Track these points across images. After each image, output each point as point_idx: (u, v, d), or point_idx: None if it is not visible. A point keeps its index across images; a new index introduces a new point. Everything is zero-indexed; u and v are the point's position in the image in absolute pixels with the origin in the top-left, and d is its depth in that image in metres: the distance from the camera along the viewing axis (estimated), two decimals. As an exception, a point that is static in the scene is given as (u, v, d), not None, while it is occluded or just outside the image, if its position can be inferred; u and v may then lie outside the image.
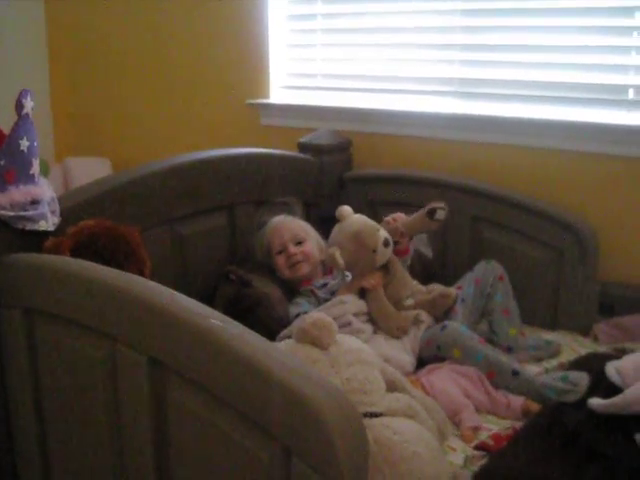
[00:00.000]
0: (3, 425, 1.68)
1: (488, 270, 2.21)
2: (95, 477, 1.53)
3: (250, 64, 3.06)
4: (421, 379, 1.85)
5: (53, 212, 1.70)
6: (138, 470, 1.40)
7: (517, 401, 1.80)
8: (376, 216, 2.22)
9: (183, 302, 1.31)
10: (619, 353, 2.00)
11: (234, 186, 2.34)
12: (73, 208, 1.79)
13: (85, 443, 1.54)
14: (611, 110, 2.35)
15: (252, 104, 3.07)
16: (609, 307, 2.30)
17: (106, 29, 3.51)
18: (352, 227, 2.10)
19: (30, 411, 1.61)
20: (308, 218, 2.48)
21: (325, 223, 2.55)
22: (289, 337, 1.97)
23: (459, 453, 1.63)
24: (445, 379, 1.84)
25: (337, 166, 2.71)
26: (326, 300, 2.14)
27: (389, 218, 2.17)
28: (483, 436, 1.71)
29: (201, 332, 1.24)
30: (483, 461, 1.59)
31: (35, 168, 1.66)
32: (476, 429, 1.73)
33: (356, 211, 2.18)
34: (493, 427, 1.76)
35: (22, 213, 1.61)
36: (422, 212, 2.11)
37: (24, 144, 1.61)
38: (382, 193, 2.55)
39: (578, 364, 1.98)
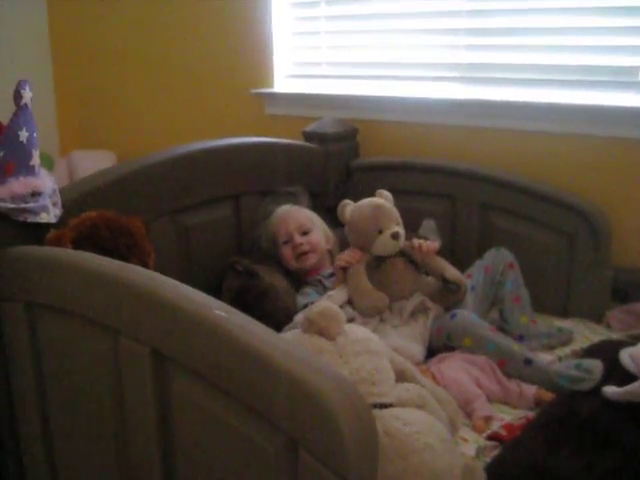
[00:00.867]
0: (7, 419, 1.65)
1: (498, 258, 2.18)
2: (100, 470, 1.51)
3: (254, 53, 3.03)
4: (431, 368, 1.82)
5: (55, 204, 1.67)
6: (143, 463, 1.38)
7: (530, 390, 1.77)
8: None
9: (186, 293, 1.28)
10: (633, 340, 1.97)
11: (239, 176, 2.31)
12: (75, 200, 1.76)
13: (90, 436, 1.51)
14: (621, 92, 2.30)
15: (257, 93, 3.04)
16: (622, 293, 2.26)
17: (109, 22, 3.49)
18: (379, 201, 2.11)
19: (34, 404, 1.59)
20: (314, 208, 2.44)
21: (331, 212, 2.52)
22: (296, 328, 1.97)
23: (471, 444, 1.60)
24: (456, 368, 1.81)
25: (343, 155, 2.68)
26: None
27: (417, 243, 2.09)
28: (495, 426, 1.68)
29: (205, 323, 1.20)
30: (496, 452, 1.56)
31: (35, 159, 1.63)
32: (488, 419, 1.70)
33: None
34: (505, 417, 1.73)
35: (23, 205, 1.58)
36: (441, 271, 2.04)
37: (23, 135, 1.58)
38: (389, 181, 2.50)
39: (591, 352, 1.95)
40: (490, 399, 1.78)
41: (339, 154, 2.65)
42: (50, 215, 1.63)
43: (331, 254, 2.34)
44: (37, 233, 1.60)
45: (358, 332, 1.50)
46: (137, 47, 3.43)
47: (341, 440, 1.05)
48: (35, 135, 1.62)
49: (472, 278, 2.16)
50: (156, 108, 3.43)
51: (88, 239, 1.62)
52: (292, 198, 2.41)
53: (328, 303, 1.50)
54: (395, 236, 2.03)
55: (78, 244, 1.58)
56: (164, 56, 3.34)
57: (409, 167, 2.57)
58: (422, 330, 1.98)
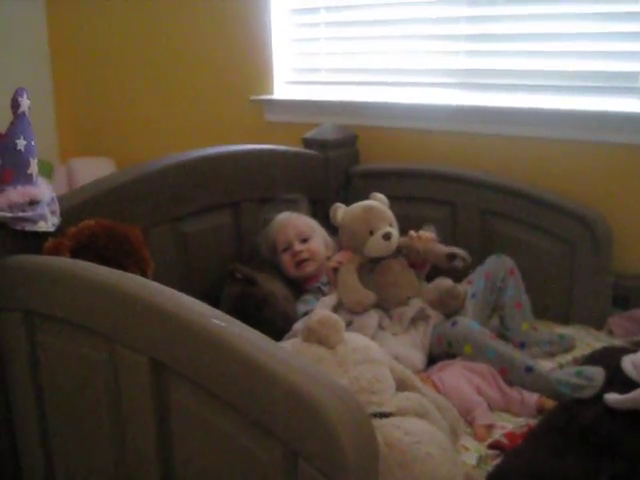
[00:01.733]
0: (6, 427, 1.64)
1: (499, 264, 2.16)
2: (99, 479, 1.50)
3: (254, 60, 3.02)
4: (432, 376, 1.81)
5: (53, 212, 1.67)
6: (141, 472, 1.37)
7: (531, 398, 1.76)
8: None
9: (184, 302, 1.27)
10: (635, 346, 1.96)
11: (239, 183, 2.31)
12: (73, 208, 1.75)
13: (88, 446, 1.50)
14: (621, 98, 2.29)
15: (256, 100, 3.03)
16: (624, 299, 2.25)
17: (108, 28, 3.48)
18: (371, 202, 2.13)
19: (32, 414, 1.58)
20: (314, 215, 2.43)
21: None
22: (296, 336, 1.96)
23: (472, 452, 1.58)
24: (457, 376, 1.80)
25: (343, 161, 2.67)
26: None
27: (415, 234, 2.12)
28: (497, 434, 1.67)
29: (203, 332, 1.20)
30: (497, 460, 1.55)
31: (33, 168, 1.62)
32: (490, 427, 1.69)
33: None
34: (507, 425, 1.71)
35: (21, 214, 1.57)
36: (444, 251, 2.07)
37: (21, 143, 1.58)
38: (389, 188, 2.49)
39: (593, 359, 1.93)
40: (491, 407, 1.77)
41: (339, 161, 2.65)
42: (48, 224, 1.62)
43: (331, 262, 2.33)
44: (35, 242, 1.59)
45: (358, 340, 1.49)
46: (137, 54, 3.42)
47: (341, 451, 1.04)
48: (33, 143, 1.62)
49: (473, 285, 2.14)
50: (156, 115, 3.42)
51: (86, 248, 1.61)
52: (292, 205, 2.40)
53: (327, 312, 1.49)
54: (386, 236, 2.02)
55: (76, 253, 1.58)
56: (163, 62, 3.33)
57: (409, 173, 2.56)
58: (422, 338, 1.97)
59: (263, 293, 2.08)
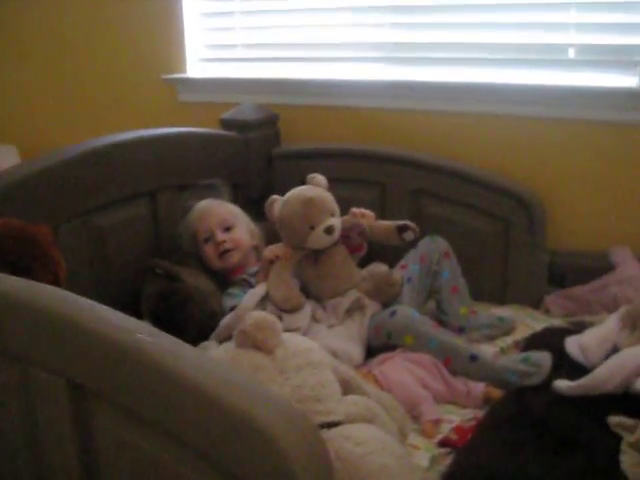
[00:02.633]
0: None
1: (433, 246, 2.08)
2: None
3: (163, 36, 2.83)
4: (373, 371, 1.71)
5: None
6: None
7: (477, 388, 1.68)
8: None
9: (103, 314, 1.11)
10: (576, 326, 1.92)
11: (153, 171, 2.14)
12: (-30, 207, 1.57)
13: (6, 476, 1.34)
14: (551, 70, 2.23)
15: (168, 79, 2.85)
16: (559, 277, 2.20)
17: (7, 3, 3.21)
18: (310, 192, 1.96)
19: None
20: (236, 200, 2.29)
21: (254, 204, 2.38)
22: (225, 337, 1.83)
23: (423, 452, 1.50)
24: (399, 370, 1.71)
25: (264, 142, 2.53)
26: None
27: (358, 211, 2.02)
28: (445, 429, 1.59)
29: (127, 349, 1.05)
30: (449, 459, 1.47)
31: None
32: (437, 422, 1.60)
33: (288, 190, 2.02)
34: (454, 418, 1.64)
35: None
36: (392, 224, 1.96)
37: None
38: (314, 169, 2.34)
39: (535, 341, 1.89)
40: (437, 399, 1.69)
41: (260, 142, 2.51)
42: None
43: (257, 250, 2.20)
44: None
45: (298, 342, 1.37)
46: (35, 36, 3.18)
47: (292, 475, 0.93)
48: None
49: (407, 269, 2.06)
50: (59, 99, 3.19)
51: (-12, 252, 1.43)
52: (212, 191, 2.25)
53: (262, 313, 1.35)
54: (329, 230, 1.90)
55: (-24, 258, 1.40)
56: (65, 41, 3.11)
57: (334, 153, 2.45)
58: (359, 329, 1.86)
59: (187, 289, 1.93)
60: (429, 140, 2.38)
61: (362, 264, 2.08)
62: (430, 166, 2.28)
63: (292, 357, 1.31)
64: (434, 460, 1.46)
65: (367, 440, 1.22)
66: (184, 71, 2.84)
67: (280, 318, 1.83)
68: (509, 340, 1.97)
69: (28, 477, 1.27)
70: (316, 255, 1.96)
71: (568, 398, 1.55)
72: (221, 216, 2.15)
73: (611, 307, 1.97)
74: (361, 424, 1.28)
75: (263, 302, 1.90)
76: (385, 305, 1.92)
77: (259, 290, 1.91)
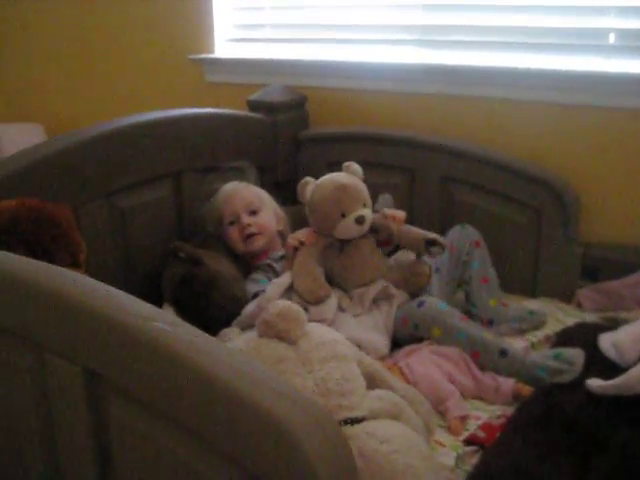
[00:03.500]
0: None
1: (463, 236, 2.03)
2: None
3: (192, 15, 2.79)
4: (399, 364, 1.66)
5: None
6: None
7: (507, 384, 1.62)
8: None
9: (121, 301, 1.07)
10: (609, 322, 1.86)
11: (179, 152, 2.10)
12: (-8, 186, 1.54)
13: (20, 460, 1.31)
14: (590, 56, 2.14)
15: (195, 59, 2.80)
16: (593, 271, 2.13)
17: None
18: (346, 179, 1.89)
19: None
20: (262, 184, 2.25)
21: (281, 188, 2.35)
22: (248, 325, 1.78)
23: (449, 450, 1.44)
24: (426, 363, 1.65)
25: (292, 125, 2.48)
26: None
27: (390, 212, 1.94)
28: (472, 426, 1.54)
29: (144, 338, 1.01)
30: (476, 458, 1.41)
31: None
32: (464, 418, 1.55)
33: (315, 174, 1.97)
34: (482, 414, 1.58)
35: None
36: (421, 236, 1.88)
37: None
38: (342, 153, 2.32)
39: (566, 336, 1.83)
40: (464, 395, 1.63)
41: (287, 124, 2.46)
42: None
43: (282, 235, 2.15)
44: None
45: (322, 333, 1.32)
46: (65, 12, 3.15)
47: (313, 475, 0.88)
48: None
49: (436, 258, 2.00)
50: (87, 77, 3.17)
51: (7, 233, 1.41)
52: (238, 174, 2.20)
53: (287, 302, 1.30)
54: (360, 221, 1.84)
55: (-5, 239, 1.37)
56: (95, 19, 3.08)
57: (363, 138, 2.39)
58: (386, 320, 1.81)
59: (209, 274, 1.89)
60: (460, 126, 2.32)
61: (388, 254, 2.03)
62: (461, 152, 2.22)
63: (316, 349, 1.27)
64: (460, 459, 1.41)
65: (392, 438, 1.17)
66: (212, 51, 2.80)
67: (306, 309, 1.79)
68: (540, 334, 1.91)
69: (41, 463, 1.25)
70: (342, 245, 1.91)
71: (601, 398, 1.49)
72: (247, 199, 2.10)
73: (646, 304, 1.91)
74: (386, 420, 1.24)
75: (288, 292, 1.85)
76: (413, 295, 1.87)
77: (284, 280, 1.86)
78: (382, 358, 1.71)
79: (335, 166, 2.03)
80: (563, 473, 1.31)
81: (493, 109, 2.27)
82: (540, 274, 2.16)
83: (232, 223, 2.08)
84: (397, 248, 2.07)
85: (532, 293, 2.16)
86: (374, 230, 1.91)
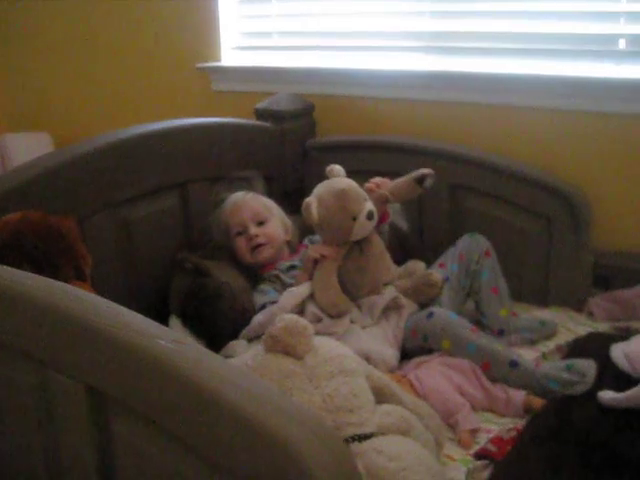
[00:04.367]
0: None
1: (473, 245, 2.00)
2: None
3: (198, 23, 2.79)
4: (409, 376, 1.64)
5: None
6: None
7: (518, 396, 1.60)
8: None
9: (124, 319, 1.05)
10: (622, 332, 1.84)
11: (185, 162, 2.09)
12: (-4, 198, 1.53)
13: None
14: (599, 62, 2.12)
15: (202, 68, 2.79)
16: (604, 280, 2.10)
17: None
18: (340, 184, 1.88)
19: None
20: (270, 193, 2.23)
21: (288, 197, 2.33)
22: (256, 335, 1.77)
23: (459, 464, 1.42)
24: (436, 375, 1.64)
25: (299, 133, 2.47)
26: (292, 285, 1.92)
27: (371, 184, 1.94)
28: (482, 439, 1.51)
29: (148, 356, 0.99)
30: (486, 472, 1.39)
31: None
32: (474, 431, 1.53)
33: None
34: (492, 427, 1.56)
35: None
36: (409, 178, 1.90)
37: None
38: (350, 161, 2.28)
39: (578, 347, 1.81)
40: (474, 407, 1.61)
41: (295, 133, 2.45)
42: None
43: (290, 245, 2.14)
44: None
45: (329, 348, 1.30)
46: (74, 20, 3.15)
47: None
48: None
49: (445, 267, 1.98)
50: (94, 86, 3.17)
51: (11, 248, 1.39)
52: (245, 184, 2.19)
53: (294, 316, 1.29)
54: (370, 216, 1.84)
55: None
56: (102, 29, 3.08)
57: (371, 145, 2.38)
58: (395, 331, 1.80)
59: (216, 285, 1.88)
60: (469, 133, 2.30)
61: (398, 263, 2.02)
62: (469, 160, 2.20)
63: (323, 364, 1.25)
64: (470, 474, 1.39)
65: (401, 455, 1.15)
66: (218, 59, 2.80)
67: (320, 319, 1.77)
68: (551, 345, 1.89)
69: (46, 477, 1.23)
70: (358, 246, 1.90)
71: (613, 410, 1.47)
72: (255, 210, 2.09)
73: (659, 314, 1.88)
74: (395, 436, 1.22)
75: (301, 302, 1.84)
76: (422, 305, 1.85)
77: (302, 291, 1.85)
78: (391, 370, 1.69)
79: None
80: (577, 489, 1.29)
81: (502, 116, 2.25)
82: (551, 283, 2.13)
83: (239, 234, 2.07)
84: (406, 257, 2.06)
85: (543, 302, 2.13)
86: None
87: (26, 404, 1.20)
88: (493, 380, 1.65)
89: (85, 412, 1.09)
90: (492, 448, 1.46)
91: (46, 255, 1.43)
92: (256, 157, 2.32)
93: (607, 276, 2.11)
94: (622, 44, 2.10)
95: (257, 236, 2.04)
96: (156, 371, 0.98)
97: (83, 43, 3.15)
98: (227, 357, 1.68)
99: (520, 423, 1.55)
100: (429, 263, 2.04)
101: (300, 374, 1.22)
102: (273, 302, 1.89)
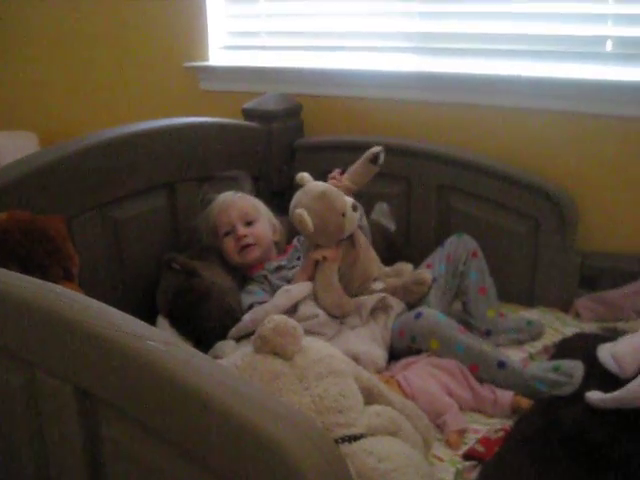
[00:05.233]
0: None
1: (460, 245, 2.00)
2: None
3: (186, 22, 2.77)
4: (397, 377, 1.64)
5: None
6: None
7: (505, 396, 1.61)
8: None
9: (114, 319, 1.05)
10: (609, 333, 1.84)
11: (173, 161, 2.08)
12: (-19, 199, 1.52)
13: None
14: (587, 64, 2.13)
15: (190, 67, 2.79)
16: (591, 280, 2.11)
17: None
18: (318, 188, 1.88)
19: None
20: (258, 193, 2.23)
21: (276, 198, 2.33)
22: (246, 332, 1.77)
23: (447, 464, 1.43)
24: (424, 375, 1.64)
25: (287, 134, 2.46)
26: (280, 287, 1.91)
27: (333, 180, 1.97)
28: (470, 439, 1.52)
29: (138, 357, 0.98)
30: (475, 473, 1.40)
31: None
32: (462, 432, 1.53)
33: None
34: (480, 428, 1.57)
35: None
36: (363, 161, 1.97)
37: None
38: (338, 161, 2.28)
39: (565, 348, 1.82)
40: (462, 407, 1.62)
41: (282, 133, 2.44)
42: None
43: (278, 246, 2.13)
44: None
45: (319, 348, 1.30)
46: (59, 18, 3.13)
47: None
48: None
49: (433, 268, 1.99)
50: (81, 85, 3.15)
51: (-1, 248, 1.37)
52: (233, 184, 2.18)
53: (283, 317, 1.28)
54: (355, 207, 1.87)
55: (-14, 254, 1.35)
56: (86, 27, 3.06)
57: (359, 146, 2.31)
58: (383, 331, 1.80)
59: (204, 285, 1.87)
60: (457, 134, 2.30)
61: (386, 264, 2.02)
62: (456, 161, 2.21)
63: (313, 365, 1.25)
64: (459, 474, 1.39)
65: (391, 456, 1.15)
66: (206, 59, 2.79)
67: (315, 316, 1.77)
68: (538, 345, 1.91)
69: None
70: (347, 241, 1.91)
71: (601, 411, 1.47)
72: (243, 210, 2.08)
73: (646, 314, 1.89)
74: (384, 437, 1.22)
75: (304, 303, 1.86)
76: (410, 305, 1.86)
77: (298, 292, 1.85)
78: (379, 371, 1.69)
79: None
80: (564, 489, 1.30)
81: (490, 117, 2.25)
82: (538, 283, 2.14)
83: (227, 234, 2.06)
84: (394, 257, 2.06)
85: (529, 302, 2.14)
86: None
87: (15, 405, 1.19)
88: (481, 380, 1.66)
89: (74, 413, 1.09)
90: (480, 449, 1.47)
91: (33, 255, 1.42)
92: (244, 157, 2.31)
93: (594, 277, 2.11)
94: (609, 46, 2.10)
95: (245, 236, 2.03)
96: (146, 372, 0.98)
97: (70, 42, 3.13)
98: (215, 357, 1.67)
99: (508, 424, 1.56)
100: (416, 263, 2.05)
101: (289, 375, 1.22)
102: (260, 302, 1.88)
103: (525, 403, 1.59)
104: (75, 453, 1.11)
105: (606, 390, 1.50)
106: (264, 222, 2.10)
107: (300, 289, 1.84)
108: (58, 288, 1.13)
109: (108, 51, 3.03)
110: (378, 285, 1.89)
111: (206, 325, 1.84)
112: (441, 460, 1.44)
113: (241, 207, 2.08)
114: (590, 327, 1.96)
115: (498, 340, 1.90)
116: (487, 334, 1.91)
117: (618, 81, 2.06)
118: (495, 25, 2.26)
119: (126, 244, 1.96)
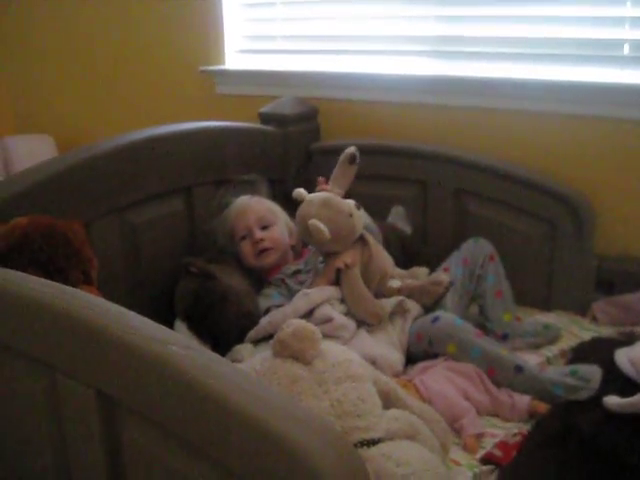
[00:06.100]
0: None
1: (477, 249, 2.01)
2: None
3: (202, 26, 2.79)
4: (414, 381, 1.64)
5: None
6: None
7: (523, 401, 1.60)
8: (348, 190, 1.97)
9: (135, 324, 1.06)
10: (626, 337, 1.83)
11: (189, 165, 2.09)
12: (2, 203, 1.53)
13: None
14: (605, 68, 2.12)
15: (206, 71, 2.80)
16: (608, 284, 2.10)
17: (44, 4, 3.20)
18: (318, 197, 1.89)
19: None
20: (274, 197, 2.23)
21: (292, 201, 2.32)
22: (261, 337, 1.78)
23: (464, 469, 1.42)
24: (441, 380, 1.64)
25: (303, 137, 2.47)
26: (297, 291, 1.92)
27: (322, 186, 1.97)
28: (488, 443, 1.51)
29: (158, 362, 1.00)
30: (492, 477, 1.40)
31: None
32: (479, 436, 1.53)
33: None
34: (498, 432, 1.56)
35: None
36: (342, 164, 1.95)
37: None
38: (354, 165, 2.31)
39: (582, 352, 1.81)
40: (479, 412, 1.61)
41: (299, 137, 2.45)
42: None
43: (294, 250, 2.14)
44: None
45: (337, 353, 1.31)
46: (77, 23, 3.15)
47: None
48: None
49: (450, 272, 1.98)
50: (97, 89, 3.17)
51: (19, 252, 1.40)
52: (250, 187, 2.19)
53: (302, 322, 1.29)
54: (358, 206, 1.89)
55: (7, 258, 1.37)
56: (105, 32, 3.08)
57: (375, 150, 2.37)
58: (400, 335, 1.80)
59: (221, 289, 1.88)
60: (473, 138, 2.30)
61: (401, 268, 2.02)
62: (473, 165, 2.20)
63: (331, 369, 1.25)
64: (476, 478, 1.39)
65: (409, 460, 1.16)
66: (222, 63, 2.80)
67: (330, 320, 1.77)
68: (555, 349, 1.89)
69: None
70: (360, 242, 1.92)
71: (619, 416, 1.47)
72: (260, 213, 2.09)
73: (663, 318, 1.89)
74: (402, 441, 1.22)
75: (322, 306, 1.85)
76: (427, 309, 1.86)
77: (318, 296, 1.83)
78: (396, 375, 1.69)
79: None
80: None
81: (506, 121, 2.25)
82: (554, 287, 2.13)
83: (244, 238, 2.07)
84: (410, 261, 2.06)
85: (546, 306, 2.13)
86: None
87: (37, 409, 1.20)
88: (498, 385, 1.65)
89: (95, 416, 1.10)
90: (498, 453, 1.47)
91: (53, 259, 1.43)
92: (260, 161, 2.32)
93: (611, 281, 2.11)
94: (626, 49, 2.10)
95: (262, 240, 2.04)
96: (166, 376, 0.99)
97: (86, 46, 3.16)
98: (233, 361, 1.68)
99: (525, 428, 1.55)
100: (433, 267, 2.04)
101: (308, 379, 1.22)
102: (278, 306, 1.89)
103: (542, 408, 1.59)
104: (96, 456, 1.12)
105: (623, 395, 1.49)
106: (281, 226, 2.10)
107: (319, 293, 1.84)
108: (79, 292, 1.15)
109: (125, 56, 3.05)
110: (395, 282, 1.89)
111: (223, 328, 1.85)
112: (458, 464, 1.44)
113: (258, 211, 2.09)
114: (607, 331, 1.95)
115: (515, 344, 1.89)
116: (504, 338, 1.91)
117: (636, 84, 2.05)
118: (512, 28, 2.25)
119: (143, 248, 1.97)
